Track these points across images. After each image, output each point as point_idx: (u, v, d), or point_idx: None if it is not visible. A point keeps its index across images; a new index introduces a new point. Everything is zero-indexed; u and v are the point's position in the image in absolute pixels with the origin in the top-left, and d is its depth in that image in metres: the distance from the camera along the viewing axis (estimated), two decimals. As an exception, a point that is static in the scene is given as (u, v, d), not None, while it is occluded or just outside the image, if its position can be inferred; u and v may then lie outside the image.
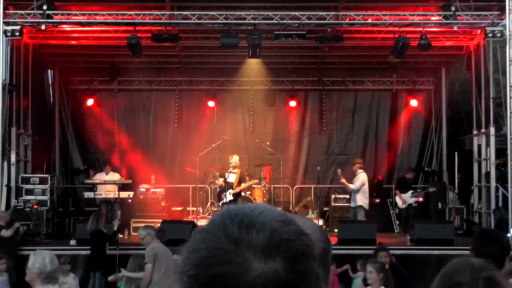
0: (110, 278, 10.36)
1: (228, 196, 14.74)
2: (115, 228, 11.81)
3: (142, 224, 15.30)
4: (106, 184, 15.67)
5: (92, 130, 18.67)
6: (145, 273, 8.86)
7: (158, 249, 8.98)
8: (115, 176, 15.92)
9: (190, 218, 16.03)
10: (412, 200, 15.82)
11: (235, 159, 15.17)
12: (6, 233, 11.78)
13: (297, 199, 18.08)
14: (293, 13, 13.93)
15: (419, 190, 16.67)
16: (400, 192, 15.99)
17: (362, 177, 15.31)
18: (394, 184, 17.38)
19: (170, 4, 14.44)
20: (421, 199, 16.03)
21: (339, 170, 15.68)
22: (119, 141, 18.56)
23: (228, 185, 14.82)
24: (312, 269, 1.05)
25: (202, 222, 13.86)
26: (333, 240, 12.24)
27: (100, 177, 16.05)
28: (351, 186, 15.06)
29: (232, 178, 14.85)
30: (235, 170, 15.01)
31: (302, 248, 1.05)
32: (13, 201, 14.38)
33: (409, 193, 15.85)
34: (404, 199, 15.81)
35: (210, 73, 18.37)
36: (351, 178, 18.10)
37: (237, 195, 14.85)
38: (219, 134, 17.53)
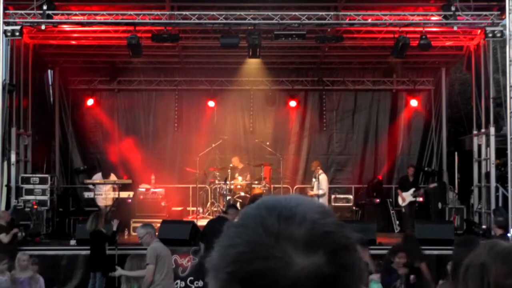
0: (111, 273, 10.38)
1: None
2: (115, 228, 11.80)
3: (142, 224, 15.41)
4: (106, 185, 15.66)
5: (92, 130, 18.67)
6: (147, 274, 8.84)
7: (160, 250, 8.96)
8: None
9: (190, 218, 16.03)
10: (412, 198, 15.72)
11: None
12: (5, 238, 11.76)
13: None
14: (293, 13, 13.93)
15: (420, 188, 16.52)
16: (402, 191, 15.92)
17: (325, 179, 15.44)
18: (395, 184, 17.39)
19: (170, 4, 14.44)
20: (421, 199, 16.01)
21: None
22: (119, 141, 18.55)
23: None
24: (354, 262, 1.02)
25: (202, 222, 13.85)
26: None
27: (97, 178, 16.02)
28: (320, 191, 15.12)
29: None
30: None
31: (344, 241, 1.02)
32: (13, 201, 14.37)
33: (411, 191, 15.78)
34: (404, 197, 15.75)
35: (210, 73, 18.36)
36: (350, 178, 18.10)
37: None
38: (219, 134, 17.53)
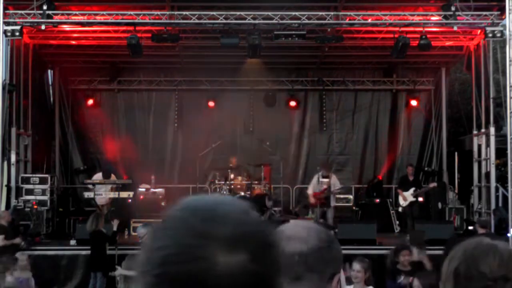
0: (111, 273, 10.39)
1: None
2: (115, 228, 11.80)
3: (142, 224, 15.40)
4: (106, 185, 15.65)
5: (92, 130, 18.67)
6: None
7: None
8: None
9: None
10: (412, 198, 15.65)
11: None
12: (0, 242, 11.73)
13: (297, 199, 18.08)
14: (293, 13, 13.93)
15: (421, 187, 16.44)
16: (402, 190, 15.86)
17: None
18: (395, 184, 17.38)
19: (170, 4, 14.44)
20: (421, 199, 16.00)
21: None
22: (119, 141, 18.55)
23: None
24: (276, 258, 1.04)
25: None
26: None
27: (97, 178, 15.99)
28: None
29: None
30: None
31: (266, 238, 1.04)
32: (13, 201, 14.37)
33: (411, 190, 15.73)
34: (405, 197, 15.69)
35: (210, 73, 18.35)
36: (350, 178, 18.11)
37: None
38: (219, 134, 17.54)
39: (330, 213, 14.97)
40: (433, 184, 16.35)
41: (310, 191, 15.21)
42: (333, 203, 15.13)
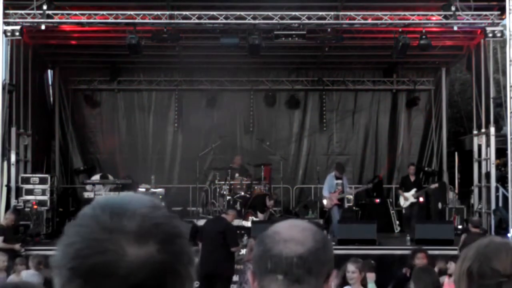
0: None
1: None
2: None
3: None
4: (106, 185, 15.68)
5: (92, 130, 18.67)
6: None
7: None
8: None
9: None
10: (413, 199, 15.59)
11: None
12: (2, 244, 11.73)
13: (297, 199, 18.08)
14: (293, 13, 13.92)
15: (422, 188, 16.35)
16: (403, 191, 15.80)
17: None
18: (395, 184, 17.37)
19: (170, 4, 14.43)
20: (421, 199, 15.98)
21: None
22: (119, 141, 18.57)
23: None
24: (183, 249, 1.11)
25: (202, 222, 13.83)
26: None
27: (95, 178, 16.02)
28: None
29: None
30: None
31: (173, 230, 1.10)
32: (13, 201, 14.36)
33: (412, 191, 15.67)
34: (406, 197, 15.63)
35: (210, 73, 18.36)
36: (350, 178, 18.09)
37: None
38: (219, 134, 17.54)
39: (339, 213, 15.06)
40: (434, 185, 16.29)
41: (326, 193, 15.06)
42: (345, 204, 15.18)
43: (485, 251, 1.88)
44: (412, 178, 15.99)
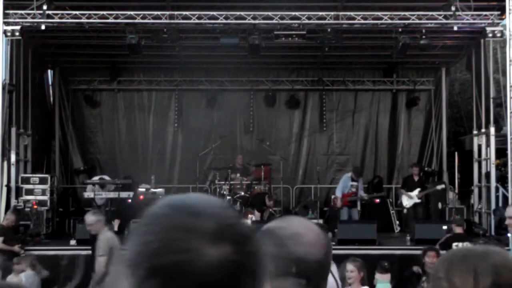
0: None
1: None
2: (116, 228, 11.79)
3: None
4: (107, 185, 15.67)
5: (92, 130, 18.67)
6: (99, 265, 8.75)
7: (113, 241, 8.90)
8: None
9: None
10: (418, 200, 15.48)
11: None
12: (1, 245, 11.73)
13: (297, 199, 18.08)
14: (293, 13, 13.92)
15: (426, 188, 16.23)
16: (407, 190, 15.68)
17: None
18: (395, 184, 17.36)
19: (170, 4, 14.43)
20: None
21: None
22: (119, 141, 18.57)
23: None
24: (257, 249, 1.12)
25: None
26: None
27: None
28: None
29: None
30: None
31: (245, 231, 1.12)
32: (13, 201, 14.36)
33: (416, 191, 15.56)
34: (410, 196, 15.51)
35: (210, 73, 18.36)
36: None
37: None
38: (219, 134, 17.54)
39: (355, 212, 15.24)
40: (441, 186, 16.12)
41: (339, 193, 15.17)
42: (359, 206, 15.22)
43: (496, 263, 1.73)
44: (416, 178, 15.81)
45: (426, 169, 18.35)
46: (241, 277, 1.08)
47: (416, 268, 9.39)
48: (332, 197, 15.74)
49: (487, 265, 1.76)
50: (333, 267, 5.74)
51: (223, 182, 15.88)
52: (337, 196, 15.21)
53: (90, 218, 9.00)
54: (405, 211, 15.67)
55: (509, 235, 12.24)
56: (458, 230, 10.66)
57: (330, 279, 5.67)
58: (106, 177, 16.18)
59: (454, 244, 9.57)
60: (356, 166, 16.74)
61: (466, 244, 9.38)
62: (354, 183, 15.17)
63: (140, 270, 1.08)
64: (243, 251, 1.09)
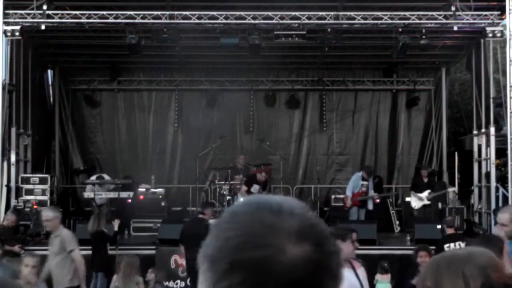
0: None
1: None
2: (116, 228, 11.79)
3: (142, 225, 15.41)
4: (107, 184, 15.67)
5: (92, 130, 18.68)
6: (79, 258, 8.69)
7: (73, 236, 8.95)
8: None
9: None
10: (427, 201, 15.38)
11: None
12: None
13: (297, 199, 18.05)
14: (293, 13, 13.92)
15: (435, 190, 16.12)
16: (416, 192, 15.50)
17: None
18: (395, 184, 17.36)
19: (170, 4, 14.43)
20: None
21: None
22: (119, 141, 18.57)
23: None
24: (336, 249, 1.14)
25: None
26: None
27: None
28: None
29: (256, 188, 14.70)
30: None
31: (324, 232, 1.14)
32: (13, 201, 14.36)
33: (426, 193, 15.43)
34: (420, 197, 15.42)
35: (210, 73, 18.37)
36: (350, 178, 18.06)
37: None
38: (219, 134, 17.54)
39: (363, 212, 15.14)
40: (452, 189, 15.96)
41: (349, 192, 15.02)
42: (369, 205, 15.11)
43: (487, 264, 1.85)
44: (426, 180, 15.68)
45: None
46: (322, 276, 1.10)
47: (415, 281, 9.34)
48: (342, 196, 15.56)
49: (474, 267, 1.83)
50: (361, 270, 5.73)
51: (223, 182, 15.87)
52: (348, 195, 15.00)
53: (48, 213, 8.79)
54: (415, 213, 15.51)
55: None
56: (450, 231, 10.64)
57: (354, 280, 5.59)
58: (106, 176, 16.17)
59: (446, 245, 9.55)
60: (368, 165, 16.66)
61: (459, 244, 9.38)
62: (365, 183, 15.07)
63: (220, 265, 1.08)
64: (324, 251, 1.11)
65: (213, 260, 1.10)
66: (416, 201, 15.44)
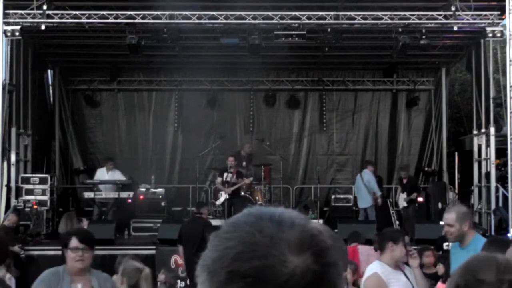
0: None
1: (223, 195, 14.69)
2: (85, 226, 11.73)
3: (142, 225, 15.42)
4: (106, 184, 15.66)
5: (92, 130, 18.68)
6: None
7: None
8: (116, 175, 15.81)
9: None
10: (405, 203, 15.66)
11: (230, 159, 15.06)
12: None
13: (297, 199, 18.08)
14: (293, 13, 13.92)
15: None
16: (401, 192, 15.89)
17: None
18: (395, 184, 17.37)
19: (170, 4, 14.42)
20: (421, 199, 15.99)
21: None
22: (119, 141, 18.57)
23: (228, 185, 14.76)
24: (336, 260, 1.14)
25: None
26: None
27: (101, 174, 15.92)
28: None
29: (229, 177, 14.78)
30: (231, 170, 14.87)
31: (325, 243, 1.14)
32: (13, 201, 14.36)
33: (404, 194, 15.77)
34: (403, 197, 15.72)
35: (210, 73, 18.35)
36: (350, 178, 18.09)
37: (234, 195, 14.74)
38: (219, 134, 17.54)
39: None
40: (420, 199, 16.09)
41: (378, 192, 15.38)
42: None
43: (470, 266, 2.03)
44: (404, 181, 16.03)
45: (426, 169, 18.38)
46: (321, 287, 1.09)
47: None
48: (374, 197, 15.38)
49: (460, 268, 2.11)
50: (408, 270, 5.70)
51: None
52: (378, 194, 15.29)
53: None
54: (402, 212, 15.86)
55: (509, 235, 12.22)
56: None
57: (404, 279, 5.53)
58: (104, 170, 16.07)
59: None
60: (369, 159, 16.99)
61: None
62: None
63: (220, 275, 1.08)
64: (324, 262, 1.10)
65: (212, 271, 1.10)
66: (401, 201, 15.74)
